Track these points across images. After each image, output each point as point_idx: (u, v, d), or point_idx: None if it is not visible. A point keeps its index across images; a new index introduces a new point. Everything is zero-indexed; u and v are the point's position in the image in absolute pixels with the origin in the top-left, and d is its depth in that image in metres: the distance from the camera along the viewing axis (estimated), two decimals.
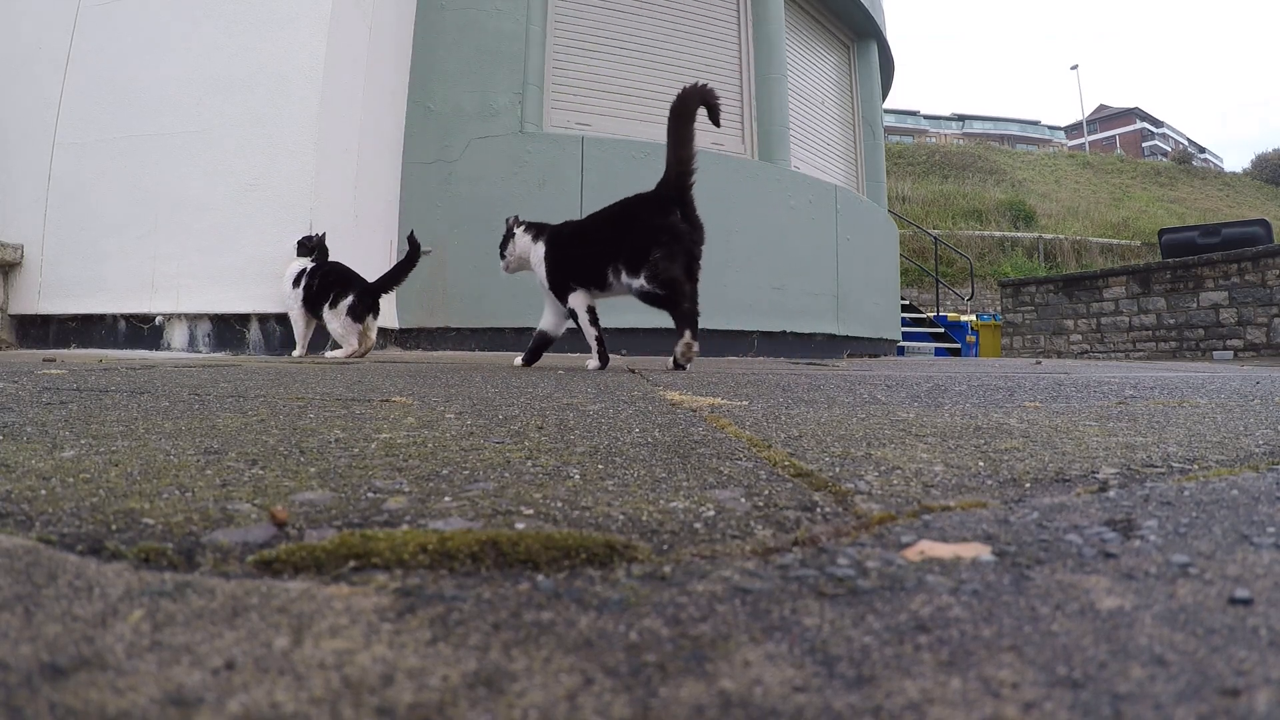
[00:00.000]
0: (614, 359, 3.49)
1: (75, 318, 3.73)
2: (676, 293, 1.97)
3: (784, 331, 5.08)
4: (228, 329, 3.57)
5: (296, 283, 3.16)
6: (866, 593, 0.34)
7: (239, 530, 0.42)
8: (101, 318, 3.69)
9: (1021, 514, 0.49)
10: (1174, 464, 0.67)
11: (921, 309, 12.37)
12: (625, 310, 4.53)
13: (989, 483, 0.58)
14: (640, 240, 2.02)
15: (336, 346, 3.16)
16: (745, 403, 1.23)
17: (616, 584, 0.35)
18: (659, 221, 2.02)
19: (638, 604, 0.33)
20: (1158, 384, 1.89)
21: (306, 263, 3.21)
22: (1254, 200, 27.00)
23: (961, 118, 46.37)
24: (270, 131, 3.53)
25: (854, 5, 6.55)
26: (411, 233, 3.27)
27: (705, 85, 2.20)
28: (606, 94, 4.86)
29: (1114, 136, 44.07)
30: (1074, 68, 67.34)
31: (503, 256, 2.41)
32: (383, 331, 4.00)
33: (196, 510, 0.46)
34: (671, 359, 2.17)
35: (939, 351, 10.14)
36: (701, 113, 2.21)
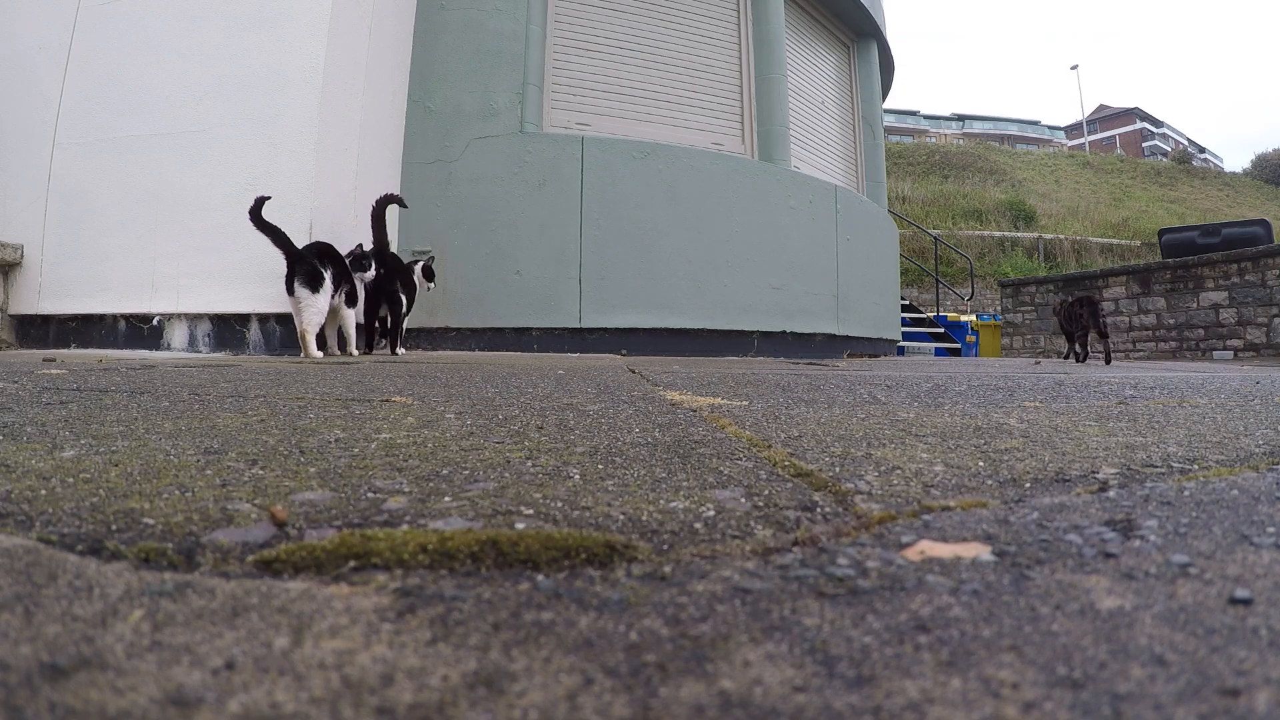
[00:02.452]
0: (614, 359, 3.49)
1: (75, 318, 3.73)
2: (369, 318, 3.57)
3: (784, 331, 5.08)
4: (227, 329, 3.57)
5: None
6: (866, 593, 0.34)
7: (239, 530, 0.42)
8: (101, 318, 3.69)
9: (1021, 514, 0.49)
10: (1174, 464, 0.67)
11: (921, 309, 12.37)
12: (626, 310, 4.53)
13: (989, 483, 0.58)
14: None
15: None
16: (745, 403, 1.23)
17: (616, 584, 0.35)
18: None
19: (638, 604, 0.33)
20: (1158, 384, 1.89)
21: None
22: (1254, 200, 27.00)
23: (961, 118, 46.38)
24: (270, 131, 3.53)
25: (854, 5, 6.55)
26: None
27: (390, 193, 3.67)
28: (606, 94, 4.87)
29: (1114, 136, 44.09)
30: (1074, 68, 67.34)
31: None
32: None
33: (196, 510, 0.46)
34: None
35: (939, 351, 10.14)
36: None
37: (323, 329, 3.26)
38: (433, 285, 3.80)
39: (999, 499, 0.53)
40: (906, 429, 0.90)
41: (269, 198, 3.19)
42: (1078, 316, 4.37)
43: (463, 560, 0.38)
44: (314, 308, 3.14)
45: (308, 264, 3.13)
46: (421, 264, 3.72)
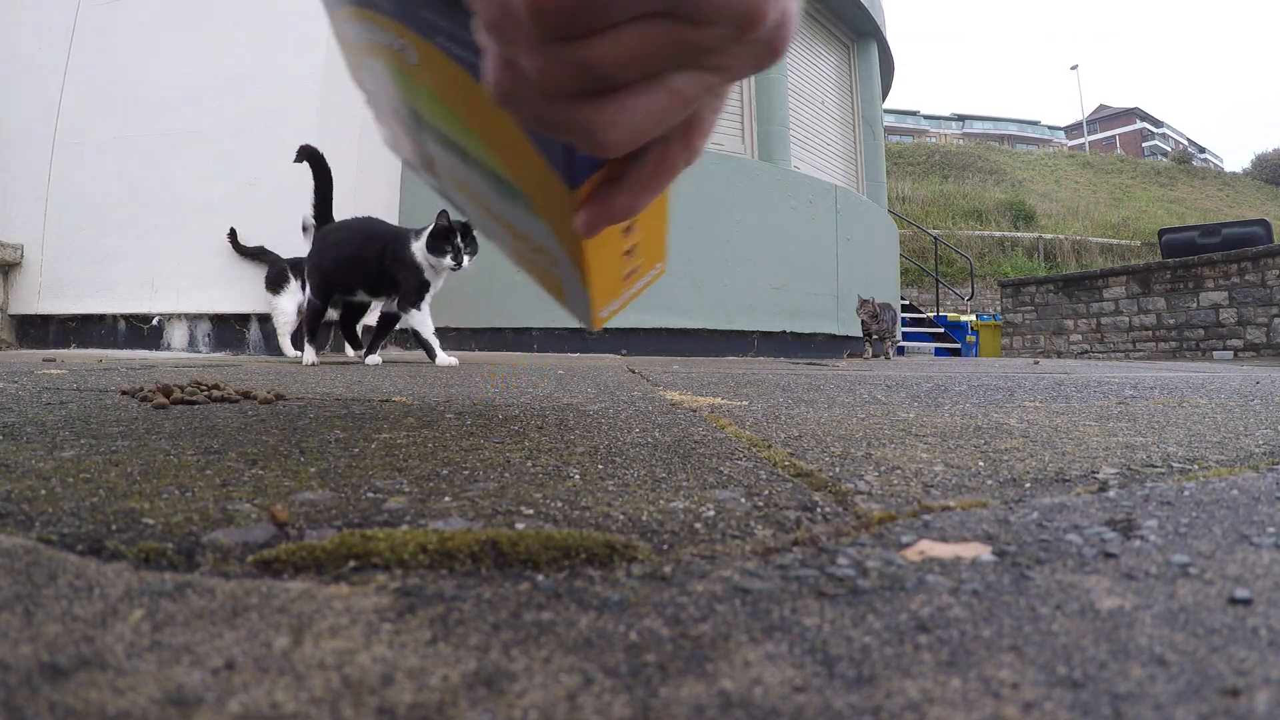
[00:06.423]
0: (614, 359, 3.49)
1: (75, 318, 3.73)
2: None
3: (784, 331, 5.09)
4: (228, 329, 3.57)
5: None
6: (866, 592, 0.34)
7: (239, 530, 0.42)
8: (101, 318, 3.69)
9: (1021, 514, 0.49)
10: (1174, 464, 0.67)
11: (921, 309, 12.37)
12: (626, 310, 4.53)
13: (989, 483, 0.58)
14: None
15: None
16: (745, 403, 1.23)
17: (616, 584, 0.35)
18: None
19: (638, 604, 0.33)
20: (1158, 384, 1.89)
21: None
22: (1254, 200, 26.99)
23: (961, 118, 46.37)
24: (270, 131, 3.53)
25: (854, 5, 6.55)
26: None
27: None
28: None
29: (1114, 136, 44.09)
30: (1074, 68, 67.30)
31: (473, 254, 2.53)
32: None
33: (196, 510, 0.46)
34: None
35: (939, 351, 10.14)
36: None
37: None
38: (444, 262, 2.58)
39: (999, 499, 0.53)
40: (906, 429, 0.90)
41: (235, 229, 3.41)
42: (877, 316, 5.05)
43: (463, 560, 0.38)
44: (276, 309, 3.23)
45: (276, 268, 3.25)
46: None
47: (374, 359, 2.52)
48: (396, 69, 0.56)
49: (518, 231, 0.63)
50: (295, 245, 3.43)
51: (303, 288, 3.24)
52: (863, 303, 4.99)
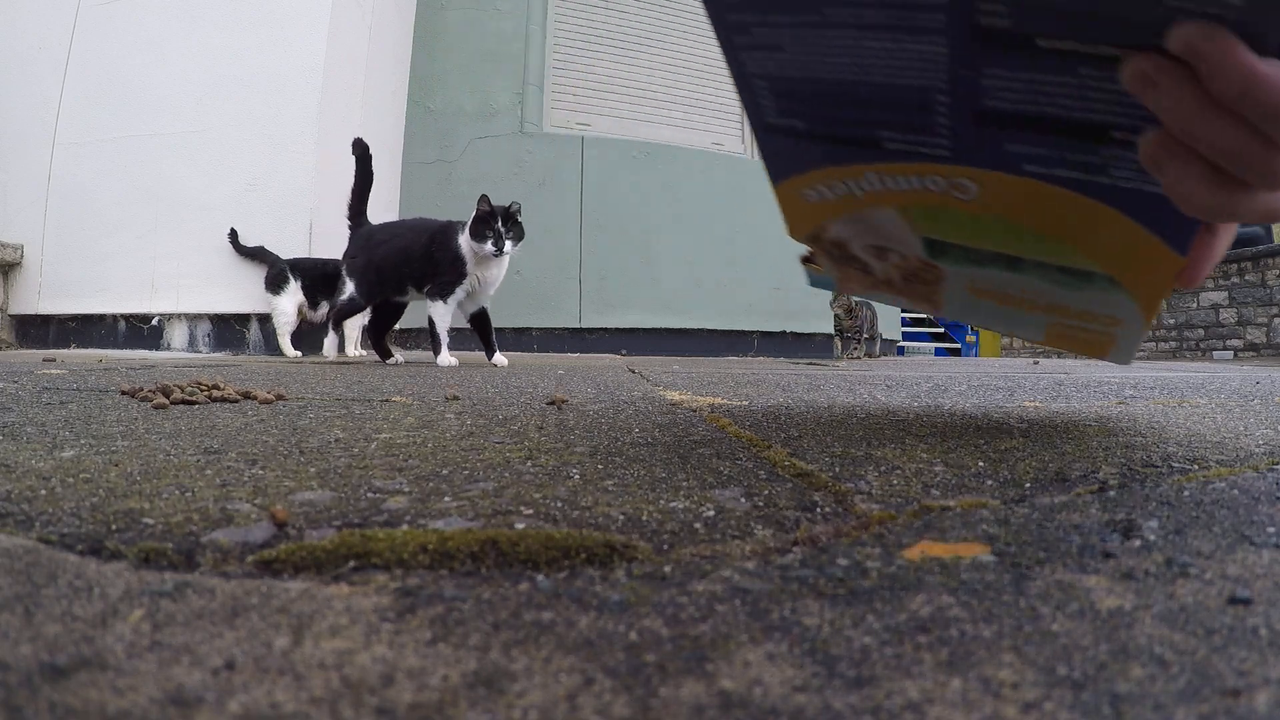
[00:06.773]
0: (614, 359, 3.49)
1: (75, 318, 3.73)
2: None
3: (784, 331, 5.09)
4: (228, 329, 3.57)
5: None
6: (866, 592, 0.34)
7: (239, 530, 0.42)
8: (101, 318, 3.69)
9: (1022, 514, 0.49)
10: (1174, 464, 0.67)
11: None
12: (626, 310, 4.53)
13: (989, 483, 0.58)
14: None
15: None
16: (745, 403, 1.23)
17: (616, 584, 0.35)
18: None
19: (638, 604, 0.33)
20: (1158, 384, 1.89)
21: None
22: None
23: None
24: (270, 131, 3.53)
25: None
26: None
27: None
28: (606, 94, 4.86)
29: None
30: None
31: (517, 239, 2.50)
32: None
33: (196, 510, 0.46)
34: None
35: (939, 351, 10.15)
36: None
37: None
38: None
39: (999, 499, 0.53)
40: (906, 429, 0.90)
41: (235, 230, 3.46)
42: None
43: (463, 560, 0.38)
44: (276, 309, 3.26)
45: (276, 269, 3.29)
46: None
47: (500, 359, 2.59)
48: (921, 208, 0.60)
49: (1070, 310, 0.71)
50: (296, 246, 3.43)
51: (304, 289, 3.24)
52: (836, 295, 4.89)
